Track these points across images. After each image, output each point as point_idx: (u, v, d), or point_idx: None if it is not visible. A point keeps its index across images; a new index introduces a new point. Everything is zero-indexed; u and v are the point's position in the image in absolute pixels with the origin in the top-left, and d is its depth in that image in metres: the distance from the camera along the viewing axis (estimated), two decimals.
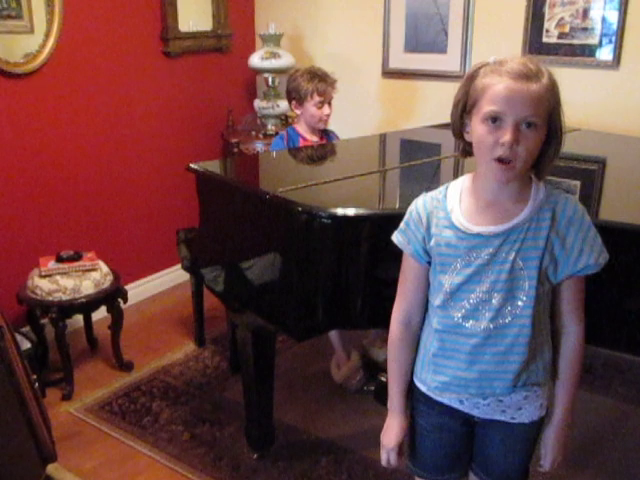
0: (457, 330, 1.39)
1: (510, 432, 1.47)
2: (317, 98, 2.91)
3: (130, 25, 3.38)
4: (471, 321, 1.37)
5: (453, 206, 1.38)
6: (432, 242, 1.39)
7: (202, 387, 2.86)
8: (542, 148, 1.30)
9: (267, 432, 2.42)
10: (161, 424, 2.60)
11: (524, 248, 1.32)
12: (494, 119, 1.26)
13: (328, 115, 2.97)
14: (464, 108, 1.34)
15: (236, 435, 2.51)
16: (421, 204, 1.43)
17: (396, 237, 1.46)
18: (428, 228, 1.40)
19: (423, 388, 1.50)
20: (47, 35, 2.97)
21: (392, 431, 1.55)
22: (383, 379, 2.73)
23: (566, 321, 1.41)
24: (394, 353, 1.51)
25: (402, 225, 1.45)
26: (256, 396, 2.35)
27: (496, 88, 1.25)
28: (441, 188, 1.43)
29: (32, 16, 2.92)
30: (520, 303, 1.34)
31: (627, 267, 1.68)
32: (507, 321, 1.35)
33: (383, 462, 1.58)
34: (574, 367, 1.43)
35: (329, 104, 2.96)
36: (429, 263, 1.43)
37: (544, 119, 1.27)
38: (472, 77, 1.32)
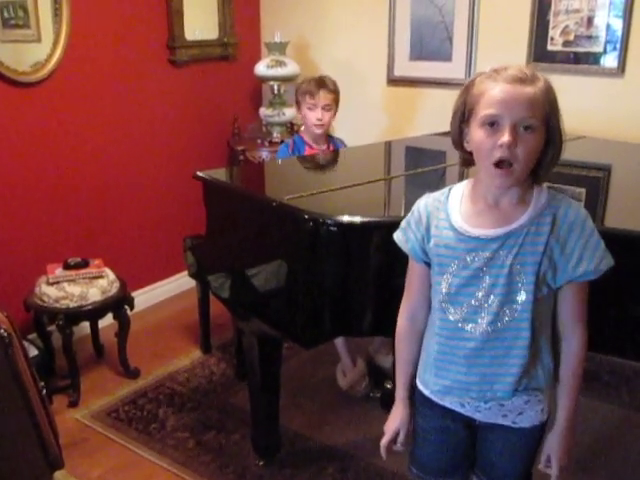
0: (456, 333, 1.41)
1: (511, 437, 1.48)
2: (308, 100, 2.92)
3: (137, 33, 3.41)
4: (469, 324, 1.39)
5: (454, 208, 1.40)
6: (431, 243, 1.41)
7: (208, 394, 2.87)
8: (541, 153, 1.31)
9: (273, 439, 2.42)
10: (167, 431, 2.61)
11: (522, 252, 1.33)
12: (492, 122, 1.28)
13: (320, 120, 2.94)
14: (462, 117, 1.35)
15: (242, 442, 2.52)
16: (423, 204, 1.45)
17: (396, 235, 1.50)
18: (427, 229, 1.42)
19: (425, 391, 1.51)
20: (54, 44, 2.99)
21: (391, 418, 1.59)
22: (389, 386, 2.73)
23: (567, 326, 1.41)
24: (400, 346, 1.56)
25: (403, 223, 1.49)
26: (262, 403, 2.35)
27: (492, 92, 1.28)
28: (444, 190, 1.45)
29: (39, 25, 2.94)
30: (518, 307, 1.35)
31: (632, 274, 1.68)
32: (505, 325, 1.36)
33: (381, 450, 1.60)
34: (575, 372, 1.43)
35: (325, 110, 2.94)
36: (426, 263, 1.45)
37: (541, 122, 1.28)
38: (469, 86, 1.34)
